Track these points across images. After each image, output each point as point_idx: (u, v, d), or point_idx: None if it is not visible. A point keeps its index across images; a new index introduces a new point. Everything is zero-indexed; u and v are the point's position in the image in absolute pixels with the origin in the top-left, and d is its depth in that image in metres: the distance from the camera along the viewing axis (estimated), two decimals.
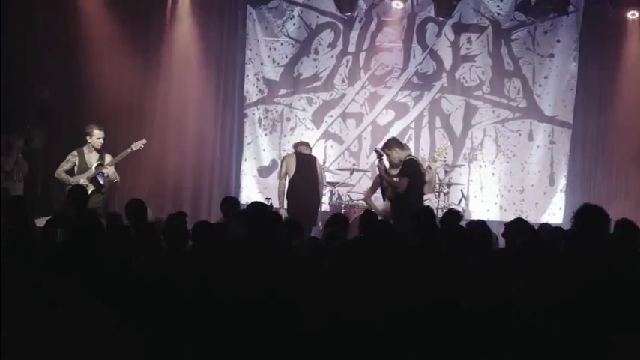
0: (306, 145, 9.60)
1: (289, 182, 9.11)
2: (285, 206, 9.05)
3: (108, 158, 8.88)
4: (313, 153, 10.02)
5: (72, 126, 10.45)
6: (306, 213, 8.73)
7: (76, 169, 8.84)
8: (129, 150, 8.97)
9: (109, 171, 8.80)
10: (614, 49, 11.20)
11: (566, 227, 7.46)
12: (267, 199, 9.63)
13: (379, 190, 8.96)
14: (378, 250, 4.89)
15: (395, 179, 8.35)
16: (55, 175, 8.92)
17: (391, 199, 8.47)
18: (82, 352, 3.53)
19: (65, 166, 8.85)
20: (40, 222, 6.85)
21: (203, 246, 5.26)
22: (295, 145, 9.58)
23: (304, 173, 9.14)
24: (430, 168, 9.04)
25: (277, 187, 9.32)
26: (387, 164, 8.48)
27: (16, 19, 10.33)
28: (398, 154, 8.54)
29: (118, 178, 9.04)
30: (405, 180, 8.31)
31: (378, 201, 9.07)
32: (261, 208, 7.26)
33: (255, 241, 5.71)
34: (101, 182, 8.77)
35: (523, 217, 10.81)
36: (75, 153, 8.91)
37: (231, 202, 7.52)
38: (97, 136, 8.82)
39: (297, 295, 4.07)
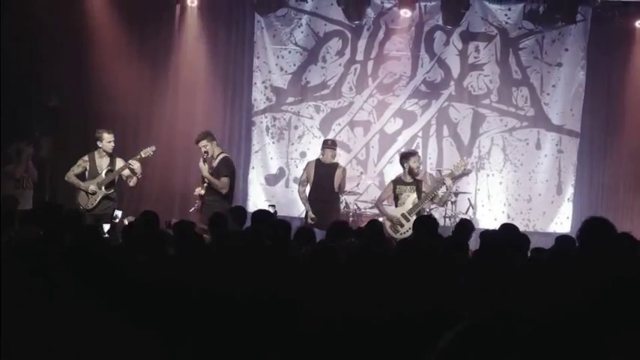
0: (331, 148, 9.39)
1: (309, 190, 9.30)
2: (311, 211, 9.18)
3: (119, 162, 8.86)
4: None
5: (80, 133, 10.50)
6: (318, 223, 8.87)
7: (86, 173, 8.85)
8: (138, 156, 8.97)
9: (135, 165, 8.77)
10: (622, 58, 11.19)
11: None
12: (271, 205, 9.65)
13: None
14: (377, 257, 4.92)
15: (219, 180, 8.77)
16: (65, 178, 8.91)
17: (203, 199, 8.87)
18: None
19: (76, 170, 8.86)
20: None
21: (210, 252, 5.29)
22: (322, 148, 9.47)
23: (321, 182, 9.22)
24: (444, 183, 8.91)
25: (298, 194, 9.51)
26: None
27: (25, 27, 10.39)
28: (213, 149, 8.95)
29: (140, 174, 8.98)
30: (226, 179, 8.82)
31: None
32: (267, 215, 7.28)
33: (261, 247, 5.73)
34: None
35: (530, 226, 10.97)
36: (86, 158, 8.91)
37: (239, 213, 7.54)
38: (107, 140, 8.81)
39: (297, 299, 4.09)
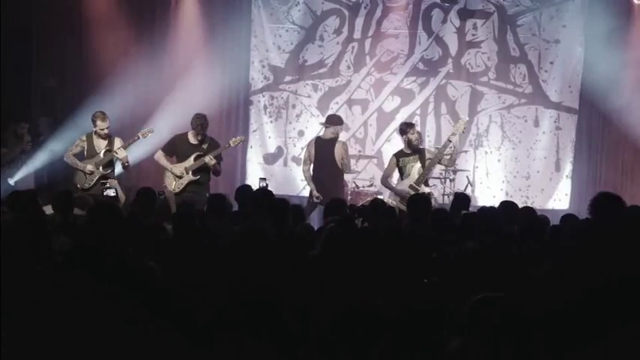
0: (334, 124, 9.38)
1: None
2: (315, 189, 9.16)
3: (117, 142, 8.86)
4: None
5: (78, 114, 10.47)
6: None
7: (85, 153, 8.87)
8: (137, 138, 8.97)
9: (122, 154, 8.79)
10: (621, 34, 11.13)
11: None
12: (262, 179, 9.65)
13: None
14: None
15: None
16: (64, 158, 8.96)
17: None
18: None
19: (74, 149, 8.89)
20: (47, 210, 6.87)
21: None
22: (325, 124, 9.48)
23: (321, 160, 9.21)
24: (450, 141, 8.91)
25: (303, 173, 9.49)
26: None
27: (21, 9, 10.35)
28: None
29: (129, 162, 9.04)
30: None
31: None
32: (267, 194, 7.25)
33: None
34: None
35: (529, 203, 10.96)
36: (84, 137, 8.94)
37: (244, 191, 7.51)
38: (100, 127, 8.81)
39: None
